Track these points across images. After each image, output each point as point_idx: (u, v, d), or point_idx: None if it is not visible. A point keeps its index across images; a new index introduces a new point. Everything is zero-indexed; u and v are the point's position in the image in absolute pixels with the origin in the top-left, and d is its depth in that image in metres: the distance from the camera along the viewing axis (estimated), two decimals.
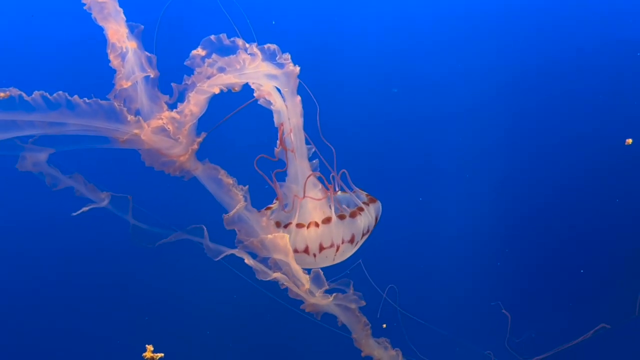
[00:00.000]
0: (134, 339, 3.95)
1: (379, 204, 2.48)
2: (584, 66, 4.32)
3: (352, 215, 2.33)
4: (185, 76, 2.19)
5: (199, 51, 2.15)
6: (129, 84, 2.20)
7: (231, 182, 2.27)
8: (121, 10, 2.18)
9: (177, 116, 2.23)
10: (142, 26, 2.28)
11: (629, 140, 3.92)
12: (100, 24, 2.17)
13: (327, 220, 2.31)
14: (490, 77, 4.37)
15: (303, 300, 2.50)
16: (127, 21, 2.21)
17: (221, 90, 2.22)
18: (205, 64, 2.16)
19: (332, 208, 2.37)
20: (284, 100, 2.27)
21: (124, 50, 2.21)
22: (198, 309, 4.05)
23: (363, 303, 2.54)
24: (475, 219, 4.31)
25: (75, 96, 2.03)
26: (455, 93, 4.36)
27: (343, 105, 4.18)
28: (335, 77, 4.24)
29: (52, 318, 3.93)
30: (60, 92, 2.03)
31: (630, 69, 4.23)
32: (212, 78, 2.19)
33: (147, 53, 2.28)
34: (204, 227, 2.40)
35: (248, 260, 2.39)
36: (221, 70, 2.16)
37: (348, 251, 2.39)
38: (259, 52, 2.20)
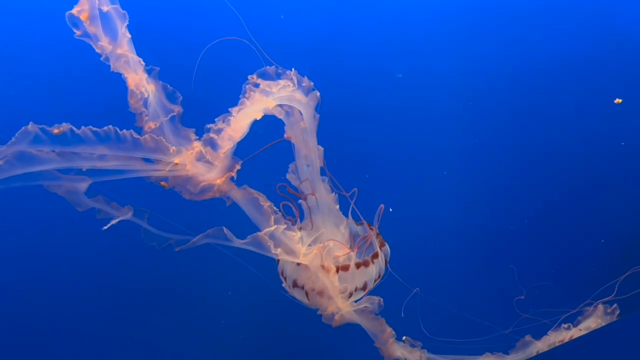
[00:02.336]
0: (147, 342, 4.09)
1: (387, 248, 2.55)
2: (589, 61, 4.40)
3: (365, 264, 2.39)
4: (230, 109, 2.25)
5: (253, 78, 2.22)
6: (157, 124, 2.26)
7: (269, 206, 2.35)
8: (140, 59, 2.24)
9: (217, 138, 2.29)
10: (158, 68, 2.33)
11: (619, 100, 3.99)
12: (118, 71, 2.23)
13: (345, 268, 2.38)
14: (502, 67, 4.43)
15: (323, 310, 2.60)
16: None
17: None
18: (250, 91, 2.23)
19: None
20: (306, 143, 2.38)
21: (145, 95, 2.27)
22: (207, 307, 4.15)
23: (380, 308, 2.65)
24: (493, 189, 4.38)
25: (124, 130, 2.10)
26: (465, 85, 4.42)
27: (342, 99, 4.23)
28: (336, 72, 4.29)
29: (61, 320, 4.01)
30: (110, 126, 2.09)
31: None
32: (251, 102, 2.26)
33: (166, 92, 2.34)
34: (225, 228, 2.45)
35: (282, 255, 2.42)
36: (265, 93, 2.22)
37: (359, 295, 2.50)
38: (294, 77, 2.29)
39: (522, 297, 3.44)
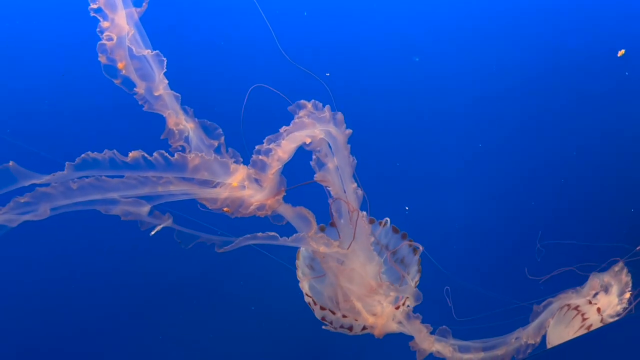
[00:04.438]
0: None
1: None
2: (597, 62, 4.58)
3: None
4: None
5: (307, 106, 2.32)
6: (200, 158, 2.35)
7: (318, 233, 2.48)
8: (177, 94, 2.33)
9: (266, 159, 2.39)
10: (192, 109, 2.42)
11: (622, 52, 4.11)
12: (155, 112, 2.32)
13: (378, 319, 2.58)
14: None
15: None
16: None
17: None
18: (304, 115, 2.33)
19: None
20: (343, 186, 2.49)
21: (185, 133, 2.38)
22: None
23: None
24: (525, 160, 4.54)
25: (191, 154, 2.19)
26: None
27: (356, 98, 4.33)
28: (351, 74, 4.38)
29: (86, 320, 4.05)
30: (179, 152, 2.18)
31: None
32: (304, 124, 2.36)
33: (204, 127, 2.43)
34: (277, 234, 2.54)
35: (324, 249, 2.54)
36: (319, 121, 2.33)
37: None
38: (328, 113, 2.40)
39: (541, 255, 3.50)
